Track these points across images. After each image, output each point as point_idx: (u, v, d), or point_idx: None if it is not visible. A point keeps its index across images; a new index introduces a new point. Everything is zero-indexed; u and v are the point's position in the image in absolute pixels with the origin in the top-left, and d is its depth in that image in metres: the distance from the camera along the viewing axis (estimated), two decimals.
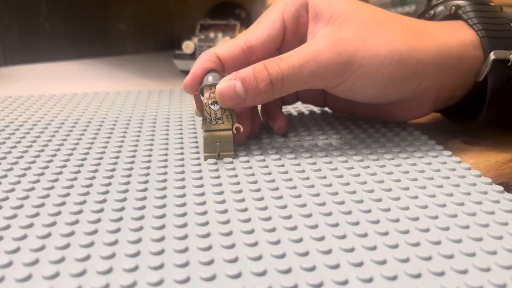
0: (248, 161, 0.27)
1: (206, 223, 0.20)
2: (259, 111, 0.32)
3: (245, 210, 0.21)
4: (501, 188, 0.24)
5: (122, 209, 0.21)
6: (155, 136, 0.32)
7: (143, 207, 0.22)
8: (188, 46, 0.50)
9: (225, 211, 0.21)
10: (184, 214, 0.21)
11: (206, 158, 0.27)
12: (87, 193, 0.23)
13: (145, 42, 0.71)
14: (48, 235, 0.19)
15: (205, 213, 0.21)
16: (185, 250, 0.18)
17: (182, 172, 0.25)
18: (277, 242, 0.19)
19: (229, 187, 0.24)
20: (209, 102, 0.28)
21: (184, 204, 0.22)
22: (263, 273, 0.17)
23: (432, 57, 0.27)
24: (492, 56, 0.28)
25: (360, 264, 0.18)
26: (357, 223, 0.20)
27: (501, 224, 0.20)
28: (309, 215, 0.21)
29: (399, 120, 0.33)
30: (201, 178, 0.25)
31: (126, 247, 0.18)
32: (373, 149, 0.29)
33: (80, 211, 0.21)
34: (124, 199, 0.22)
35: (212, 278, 0.17)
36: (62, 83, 0.50)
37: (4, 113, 0.37)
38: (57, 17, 0.62)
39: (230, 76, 0.27)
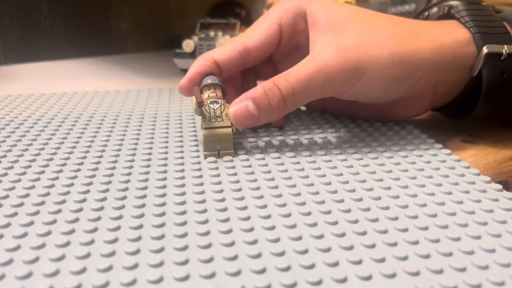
0: (247, 159, 0.27)
1: (206, 221, 0.20)
2: None
3: (245, 208, 0.21)
4: (500, 186, 0.24)
5: (122, 207, 0.22)
6: (155, 134, 0.32)
7: (143, 205, 0.22)
8: (188, 44, 0.50)
9: (225, 209, 0.21)
10: (184, 212, 0.21)
11: (206, 157, 0.27)
12: (87, 191, 0.23)
13: (145, 41, 0.71)
14: (48, 233, 0.19)
15: (205, 211, 0.21)
16: (185, 248, 0.18)
17: (182, 171, 0.26)
18: (277, 240, 0.19)
19: (229, 185, 0.24)
20: (209, 102, 0.28)
21: (184, 203, 0.22)
22: (262, 271, 0.17)
23: (429, 55, 0.28)
24: (485, 50, 0.28)
25: (359, 262, 0.18)
26: (356, 221, 0.20)
27: (500, 222, 0.21)
28: (309, 213, 0.21)
29: (399, 118, 0.34)
30: (200, 176, 0.25)
31: (126, 245, 0.18)
32: (372, 147, 0.29)
33: (80, 209, 0.21)
34: (124, 197, 0.22)
35: (212, 275, 0.17)
36: (63, 82, 0.50)
37: (4, 111, 0.37)
38: (57, 16, 0.62)
39: (240, 97, 0.27)
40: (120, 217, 0.21)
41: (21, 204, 0.22)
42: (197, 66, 0.29)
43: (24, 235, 0.19)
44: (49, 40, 0.62)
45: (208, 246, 0.19)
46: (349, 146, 0.29)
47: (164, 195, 0.23)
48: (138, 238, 0.19)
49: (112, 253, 0.18)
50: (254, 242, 0.19)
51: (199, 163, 0.27)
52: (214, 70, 0.29)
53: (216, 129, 0.27)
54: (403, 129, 0.32)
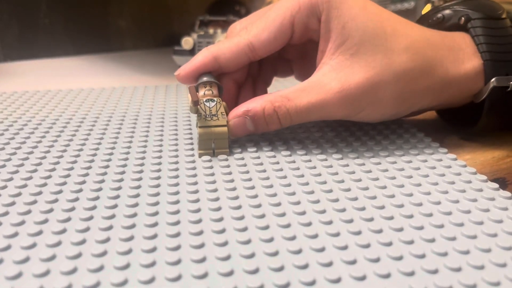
0: (242, 158, 0.27)
1: (199, 221, 0.20)
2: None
3: (239, 207, 0.21)
4: (496, 185, 0.23)
5: (115, 206, 0.21)
6: (150, 132, 0.31)
7: (136, 205, 0.21)
8: (187, 42, 0.50)
9: (219, 209, 0.21)
10: (177, 212, 0.21)
11: (201, 156, 0.27)
12: (80, 190, 0.23)
13: (145, 38, 0.71)
14: (40, 233, 0.19)
15: (198, 210, 0.21)
16: (178, 248, 0.18)
17: (176, 170, 0.25)
18: (271, 240, 0.19)
19: (224, 184, 0.24)
20: (204, 100, 0.27)
21: (177, 202, 0.22)
22: (255, 271, 0.17)
23: (434, 92, 0.28)
24: (493, 83, 0.28)
25: (354, 262, 0.17)
26: (351, 221, 0.20)
27: (496, 221, 0.20)
28: (303, 213, 0.21)
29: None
30: (195, 175, 0.25)
31: (118, 245, 0.18)
32: (368, 146, 0.29)
33: (73, 208, 0.21)
34: (117, 196, 0.22)
35: (204, 275, 0.17)
36: (61, 79, 0.50)
37: (3, 106, 0.37)
38: (56, 13, 0.62)
39: (239, 111, 0.27)
40: (113, 216, 0.20)
41: (13, 204, 0.21)
42: (198, 60, 0.29)
43: (15, 234, 0.19)
44: (48, 38, 0.62)
45: (201, 246, 0.18)
46: (345, 144, 0.29)
47: (157, 194, 0.23)
48: (130, 238, 0.19)
49: (104, 253, 0.18)
50: (248, 242, 0.19)
51: (193, 161, 0.26)
52: (213, 69, 0.29)
53: (212, 128, 0.27)
54: (399, 128, 0.32)
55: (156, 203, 0.22)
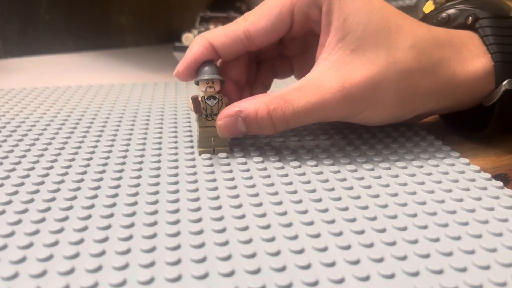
0: (243, 156, 0.26)
1: (199, 220, 0.20)
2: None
3: (240, 206, 0.21)
4: (500, 183, 0.23)
5: (114, 205, 0.21)
6: (149, 130, 0.31)
7: (135, 203, 0.21)
8: (188, 38, 0.49)
9: (219, 208, 0.21)
10: (177, 211, 0.21)
11: (200, 153, 0.27)
12: (78, 189, 0.22)
13: (145, 35, 0.70)
14: (36, 232, 0.19)
15: (198, 209, 0.21)
16: (177, 247, 0.18)
17: (176, 168, 0.25)
18: (272, 239, 0.18)
19: (224, 183, 0.23)
20: (206, 97, 0.27)
21: (177, 200, 0.21)
22: (256, 271, 0.17)
23: (439, 93, 0.27)
24: (505, 86, 0.26)
25: (357, 262, 0.17)
26: (353, 220, 0.20)
27: (501, 220, 0.20)
28: (305, 212, 0.21)
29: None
30: (195, 173, 0.24)
31: (116, 245, 0.18)
32: (371, 144, 0.28)
33: (70, 207, 0.21)
34: (116, 195, 0.22)
35: (205, 276, 0.16)
36: (62, 76, 0.49)
37: (1, 103, 0.37)
38: (57, 9, 0.61)
39: (231, 110, 0.25)
40: (111, 215, 0.20)
41: (9, 202, 0.21)
42: (193, 51, 0.27)
43: (11, 234, 0.19)
44: (48, 34, 0.61)
45: (201, 245, 0.18)
46: (347, 143, 0.29)
47: (157, 192, 0.22)
48: (129, 237, 0.18)
49: (102, 253, 0.17)
50: (249, 241, 0.18)
51: (193, 159, 0.26)
52: (211, 57, 0.27)
53: (212, 128, 0.26)
54: (401, 126, 0.32)
55: (155, 202, 0.21)
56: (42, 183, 0.23)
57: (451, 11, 0.29)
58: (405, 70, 0.25)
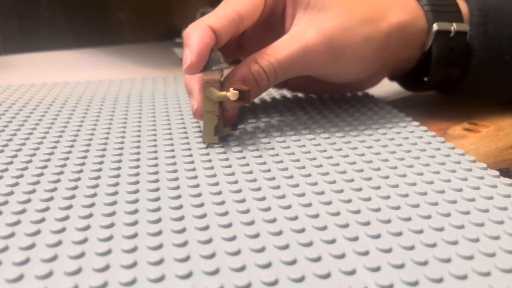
0: (241, 151, 0.26)
1: (204, 216, 0.20)
2: None
3: (243, 201, 0.21)
4: (497, 172, 0.23)
5: (114, 203, 0.21)
6: (145, 127, 0.31)
7: (136, 201, 0.21)
8: None
9: (223, 203, 0.21)
10: (180, 207, 0.20)
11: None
12: (76, 187, 0.22)
13: (145, 31, 0.70)
14: (38, 232, 0.18)
15: (202, 205, 0.20)
16: (185, 244, 0.18)
17: (174, 164, 0.25)
18: (280, 233, 0.18)
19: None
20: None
21: (179, 197, 0.21)
22: (267, 265, 0.16)
23: (394, 36, 0.30)
24: (435, 27, 0.30)
25: (366, 253, 0.17)
26: (358, 211, 0.20)
27: (501, 209, 0.20)
28: (309, 204, 0.21)
29: (355, 91, 0.38)
30: (194, 169, 0.24)
31: (122, 243, 0.18)
32: (364, 135, 0.29)
33: (70, 206, 0.20)
34: (116, 193, 0.21)
35: (215, 272, 0.16)
36: (62, 72, 0.49)
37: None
38: (56, 6, 0.61)
39: (232, 80, 0.27)
40: (113, 213, 0.20)
41: (6, 203, 0.20)
42: (200, 38, 0.25)
43: (11, 235, 0.18)
44: (48, 30, 0.61)
45: (209, 241, 0.18)
46: (342, 135, 0.29)
47: (157, 189, 0.22)
48: (134, 235, 0.18)
49: (108, 252, 0.17)
50: (256, 235, 0.18)
51: (191, 156, 0.26)
52: (215, 42, 0.26)
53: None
54: (395, 117, 0.32)
55: (157, 199, 0.21)
56: (37, 182, 0.22)
57: None
58: (363, 17, 0.29)
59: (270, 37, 0.30)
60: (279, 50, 0.27)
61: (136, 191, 0.22)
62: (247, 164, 0.25)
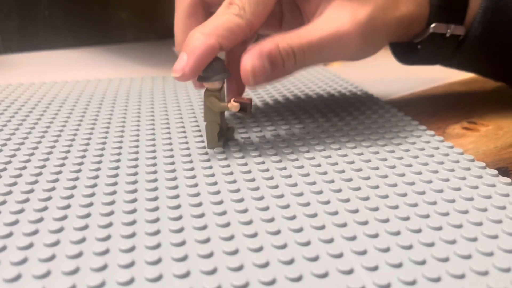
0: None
1: (202, 215, 0.20)
2: None
3: (241, 200, 0.21)
4: (495, 172, 0.23)
5: (113, 202, 0.21)
6: (142, 127, 0.31)
7: (134, 200, 0.21)
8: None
9: (221, 202, 0.21)
10: (178, 207, 0.20)
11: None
12: (74, 187, 0.22)
13: (145, 30, 0.70)
14: (36, 232, 0.18)
15: (200, 204, 0.20)
16: (183, 243, 0.18)
17: (172, 163, 0.25)
18: (278, 232, 0.18)
19: (223, 177, 0.23)
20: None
21: (177, 196, 0.21)
22: (265, 265, 0.17)
23: (402, 21, 0.29)
24: (430, 29, 0.30)
25: (364, 252, 0.17)
26: (356, 210, 0.20)
27: (499, 208, 0.20)
28: (307, 204, 0.21)
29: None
30: (192, 169, 0.24)
31: (120, 243, 0.18)
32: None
33: (68, 206, 0.20)
34: (114, 192, 0.21)
35: (213, 271, 0.16)
36: (62, 71, 0.49)
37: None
38: (56, 5, 0.61)
39: (254, 52, 0.24)
40: (111, 213, 0.20)
41: (4, 202, 0.20)
42: (201, 53, 0.24)
43: (9, 234, 0.18)
44: (48, 30, 0.61)
45: (207, 240, 0.18)
46: (342, 135, 0.29)
47: (156, 188, 0.22)
48: (132, 235, 0.18)
49: (106, 251, 0.17)
50: (254, 235, 0.18)
51: (189, 155, 0.26)
52: (218, 51, 0.25)
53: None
54: (394, 117, 0.32)
55: (156, 198, 0.21)
56: (36, 182, 0.22)
57: None
58: (391, 1, 0.28)
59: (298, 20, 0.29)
60: (312, 34, 0.26)
61: (134, 191, 0.22)
62: (246, 164, 0.25)
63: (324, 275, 0.16)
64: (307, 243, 0.18)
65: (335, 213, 0.20)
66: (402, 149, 0.26)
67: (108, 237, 0.18)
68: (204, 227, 0.19)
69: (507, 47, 0.31)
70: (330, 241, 0.18)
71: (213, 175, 0.23)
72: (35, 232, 0.18)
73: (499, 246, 0.18)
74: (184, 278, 0.16)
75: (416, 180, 0.23)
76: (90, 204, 0.20)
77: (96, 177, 0.23)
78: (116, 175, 0.23)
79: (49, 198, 0.21)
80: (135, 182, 0.22)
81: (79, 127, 0.30)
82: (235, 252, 0.17)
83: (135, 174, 0.23)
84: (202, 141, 0.28)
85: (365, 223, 0.19)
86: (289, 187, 0.22)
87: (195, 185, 0.22)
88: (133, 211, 0.20)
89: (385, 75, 0.45)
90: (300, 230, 0.19)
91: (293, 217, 0.19)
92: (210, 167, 0.24)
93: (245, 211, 0.20)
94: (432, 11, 0.30)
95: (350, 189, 0.22)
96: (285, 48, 0.25)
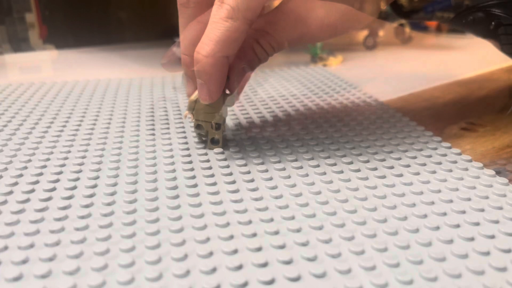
0: (240, 154, 0.26)
1: (201, 215, 0.20)
2: None
3: (241, 200, 0.21)
4: (493, 172, 0.24)
5: (113, 203, 0.21)
6: (144, 126, 0.31)
7: (134, 201, 0.21)
8: None
9: (220, 202, 0.21)
10: (178, 207, 0.20)
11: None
12: (75, 187, 0.22)
13: (145, 30, 0.70)
14: (37, 232, 0.18)
15: (199, 205, 0.21)
16: (183, 243, 0.18)
17: (172, 164, 0.25)
18: (277, 232, 0.19)
19: (223, 178, 0.23)
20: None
21: (177, 197, 0.21)
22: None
23: None
24: None
25: (362, 252, 0.17)
26: (354, 211, 0.20)
27: (496, 208, 0.21)
28: (306, 204, 0.21)
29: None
30: (192, 169, 0.24)
31: (120, 243, 0.18)
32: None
33: (69, 206, 0.20)
34: (114, 193, 0.22)
35: (213, 271, 0.16)
36: (62, 71, 0.49)
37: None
38: (56, 5, 0.61)
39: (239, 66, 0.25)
40: (112, 213, 0.20)
41: (5, 202, 0.21)
42: (216, 76, 0.24)
43: (11, 234, 0.18)
44: (48, 29, 0.61)
45: (207, 240, 0.18)
46: (340, 135, 0.29)
47: (155, 189, 0.22)
48: (132, 235, 0.18)
49: (106, 251, 0.17)
50: (253, 235, 0.18)
51: (189, 156, 0.26)
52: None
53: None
54: (392, 118, 0.32)
55: (156, 198, 0.21)
56: (36, 182, 0.23)
57: (479, 14, 0.30)
58: None
59: None
60: (278, 33, 0.26)
61: (135, 191, 0.22)
62: (245, 165, 0.25)
63: (322, 275, 0.16)
64: (306, 243, 0.18)
65: (333, 213, 0.20)
66: (400, 150, 0.27)
67: (108, 237, 0.18)
68: (204, 227, 0.19)
69: None
70: (328, 241, 0.18)
71: (212, 175, 0.23)
72: (36, 232, 0.18)
73: (496, 246, 0.18)
74: (184, 278, 0.16)
75: (414, 180, 0.23)
76: (91, 204, 0.21)
77: (97, 177, 0.23)
78: (116, 176, 0.23)
79: (50, 198, 0.21)
80: (135, 182, 0.23)
81: (79, 127, 0.30)
82: (234, 252, 0.17)
83: (135, 174, 0.24)
84: (202, 142, 0.28)
85: (363, 223, 0.19)
86: (288, 187, 0.22)
87: (195, 186, 0.22)
88: (133, 211, 0.20)
89: (384, 75, 0.45)
90: (298, 230, 0.19)
91: (291, 218, 0.20)
92: (210, 168, 0.24)
93: (244, 211, 0.20)
94: None
95: (348, 190, 0.22)
96: (260, 51, 0.26)
